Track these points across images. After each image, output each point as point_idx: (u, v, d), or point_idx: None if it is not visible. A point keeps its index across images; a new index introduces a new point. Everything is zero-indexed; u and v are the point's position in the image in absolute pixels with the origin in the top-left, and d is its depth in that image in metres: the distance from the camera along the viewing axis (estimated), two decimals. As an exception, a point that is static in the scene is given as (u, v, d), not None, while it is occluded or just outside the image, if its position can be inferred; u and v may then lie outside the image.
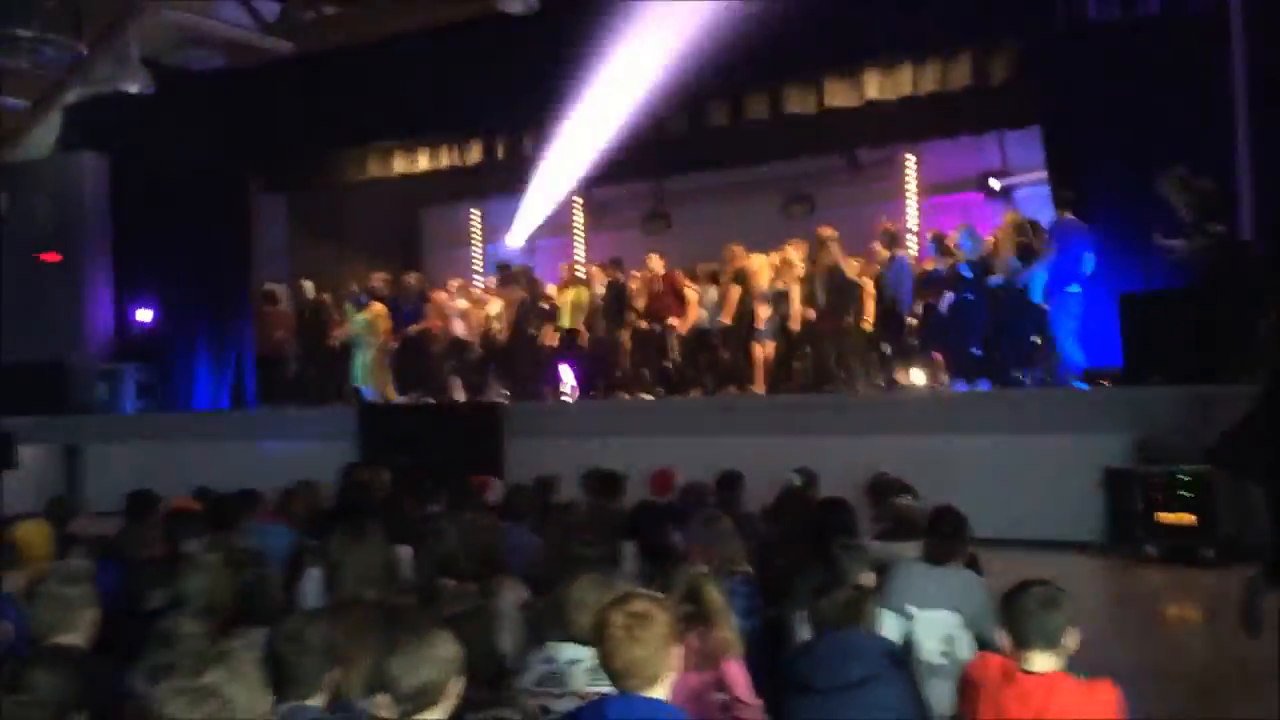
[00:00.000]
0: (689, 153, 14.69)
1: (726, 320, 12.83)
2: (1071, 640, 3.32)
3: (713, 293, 13.18)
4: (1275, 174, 9.66)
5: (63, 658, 3.53)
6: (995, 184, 13.95)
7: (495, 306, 14.90)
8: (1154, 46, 10.19)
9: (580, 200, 17.24)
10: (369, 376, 15.00)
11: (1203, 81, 10.05)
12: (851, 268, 12.36)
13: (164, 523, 6.41)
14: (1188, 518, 8.59)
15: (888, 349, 12.33)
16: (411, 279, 15.67)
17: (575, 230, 17.38)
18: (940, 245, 12.06)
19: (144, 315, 16.83)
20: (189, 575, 4.32)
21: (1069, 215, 10.83)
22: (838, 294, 12.11)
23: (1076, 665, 3.42)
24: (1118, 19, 10.37)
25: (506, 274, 15.39)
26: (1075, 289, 10.60)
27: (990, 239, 11.90)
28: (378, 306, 15.05)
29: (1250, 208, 9.95)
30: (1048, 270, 10.79)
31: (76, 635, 3.86)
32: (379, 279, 15.59)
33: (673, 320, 13.40)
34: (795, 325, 12.32)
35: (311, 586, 4.99)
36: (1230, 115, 10.00)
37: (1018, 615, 3.32)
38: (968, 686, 3.46)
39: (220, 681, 2.61)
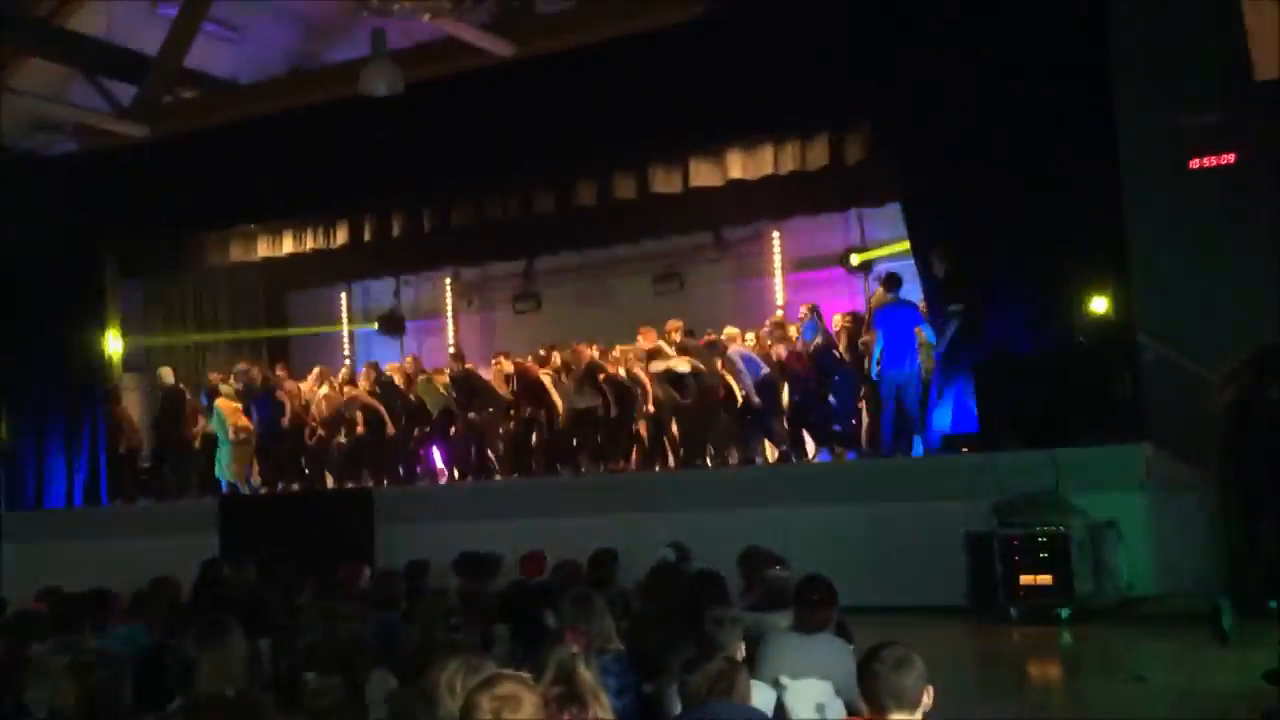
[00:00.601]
0: (557, 232, 14.82)
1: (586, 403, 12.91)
2: (927, 698, 3.40)
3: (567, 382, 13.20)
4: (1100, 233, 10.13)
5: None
6: (855, 259, 14.38)
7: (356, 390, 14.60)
8: (1005, 123, 10.66)
9: (449, 281, 17.22)
10: (230, 469, 14.54)
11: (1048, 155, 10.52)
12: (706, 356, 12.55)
13: (8, 626, 6.08)
14: (1045, 578, 8.84)
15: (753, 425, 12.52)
16: (254, 371, 15.20)
17: (445, 311, 17.31)
18: (781, 332, 12.41)
19: None
20: (33, 680, 4.11)
21: (891, 298, 11.40)
22: (703, 377, 12.30)
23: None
24: (966, 98, 10.84)
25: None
26: (907, 366, 11.10)
27: (835, 325, 12.37)
28: (221, 402, 14.59)
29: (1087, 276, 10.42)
30: (881, 349, 11.22)
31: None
32: (218, 376, 15.24)
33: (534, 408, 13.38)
34: (652, 407, 12.44)
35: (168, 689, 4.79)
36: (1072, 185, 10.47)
37: (872, 678, 3.38)
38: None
39: None
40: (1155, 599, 9.14)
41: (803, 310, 12.79)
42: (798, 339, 12.40)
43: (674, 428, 12.65)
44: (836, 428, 12.04)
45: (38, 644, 5.41)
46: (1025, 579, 8.96)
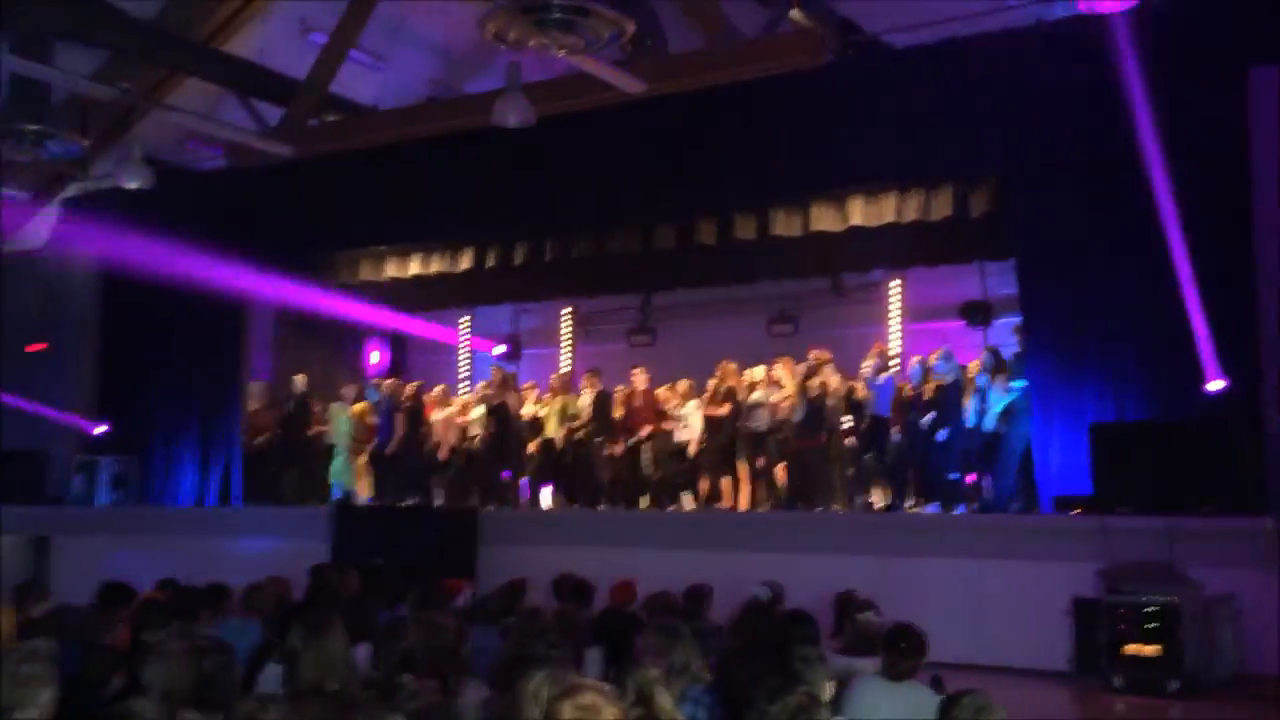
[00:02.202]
0: (676, 269, 14.97)
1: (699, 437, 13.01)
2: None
3: (692, 408, 13.29)
4: (1230, 310, 9.88)
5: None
6: (975, 314, 14.19)
7: (476, 412, 14.93)
8: (1135, 190, 10.52)
9: (569, 311, 17.52)
10: (347, 478, 15.00)
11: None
12: (838, 389, 12.53)
13: (130, 612, 6.40)
14: (1153, 649, 8.59)
15: (866, 467, 12.43)
16: (388, 385, 15.65)
17: (563, 340, 17.61)
18: (925, 369, 12.30)
19: (99, 429, 16.82)
20: (149, 661, 4.33)
21: None
22: (818, 414, 12.25)
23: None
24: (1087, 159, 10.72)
25: (494, 380, 15.35)
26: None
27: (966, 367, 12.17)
28: (363, 406, 15.12)
29: (1211, 349, 10.15)
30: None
31: (34, 713, 3.86)
32: (360, 385, 15.71)
33: (647, 430, 13.51)
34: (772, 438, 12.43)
35: (271, 681, 4.99)
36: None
37: (953, 724, 3.38)
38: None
39: None
40: (1270, 679, 8.79)
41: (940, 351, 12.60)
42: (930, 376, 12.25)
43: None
44: (954, 476, 11.89)
45: (157, 630, 5.68)
46: (1131, 649, 8.73)
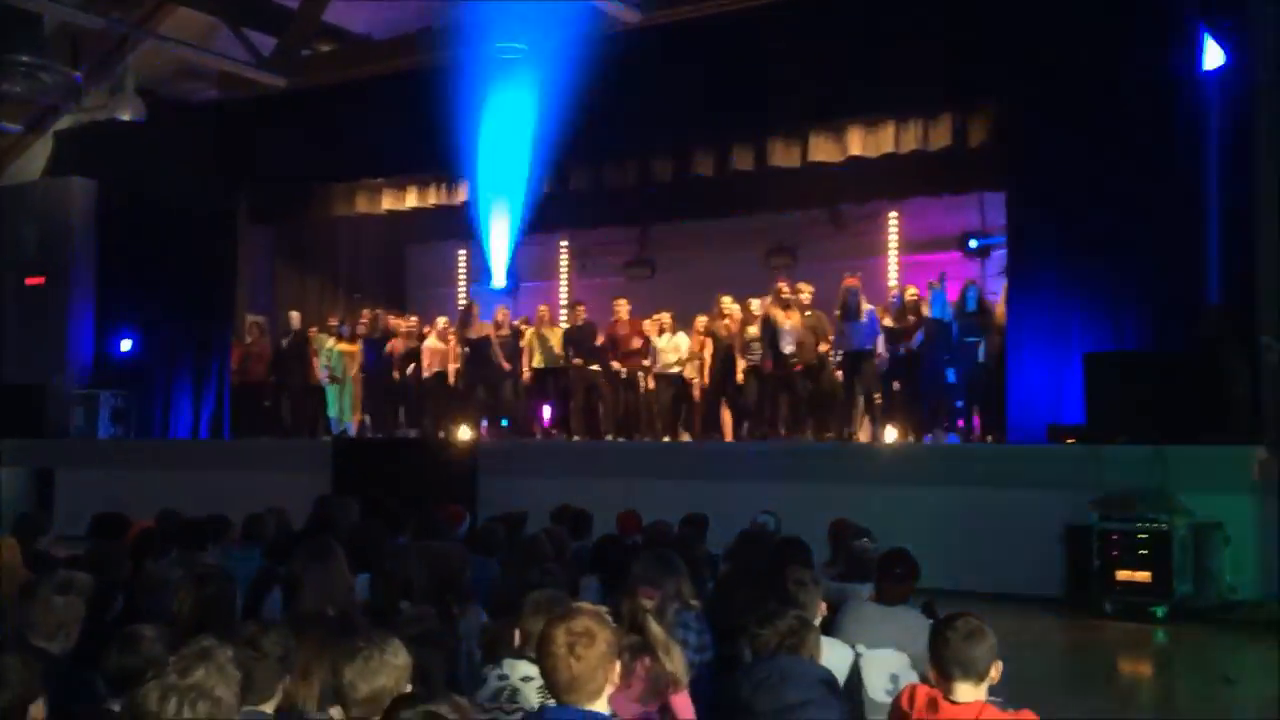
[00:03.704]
0: (674, 201, 14.94)
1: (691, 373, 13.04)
2: (995, 672, 3.44)
3: (681, 339, 13.27)
4: (1239, 237, 9.88)
5: (38, 654, 3.62)
6: (973, 243, 14.18)
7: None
8: (1123, 112, 10.48)
9: (565, 244, 17.48)
10: (344, 410, 15.07)
11: (1171, 147, 10.33)
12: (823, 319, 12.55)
13: (130, 541, 6.48)
14: (1144, 575, 8.71)
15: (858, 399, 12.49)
16: (380, 316, 15.60)
17: (560, 273, 17.58)
18: (906, 305, 12.27)
19: (125, 345, 16.90)
20: (152, 588, 4.41)
21: None
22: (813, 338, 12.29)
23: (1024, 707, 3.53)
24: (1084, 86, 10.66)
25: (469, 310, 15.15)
26: None
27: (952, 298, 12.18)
28: (342, 345, 15.12)
29: (1218, 270, 10.18)
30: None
31: (55, 644, 3.96)
32: (363, 317, 15.72)
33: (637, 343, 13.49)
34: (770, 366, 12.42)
35: (274, 609, 5.08)
36: (1199, 179, 10.24)
37: (942, 644, 3.44)
38: (897, 715, 3.58)
39: (209, 681, 2.67)
40: (1258, 604, 8.92)
41: (932, 282, 12.56)
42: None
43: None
44: (960, 404, 11.93)
45: (156, 558, 5.77)
46: (1122, 575, 8.85)
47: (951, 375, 11.82)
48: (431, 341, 14.69)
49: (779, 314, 12.24)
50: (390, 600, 4.91)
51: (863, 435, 12.41)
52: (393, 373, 14.79)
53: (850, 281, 12.25)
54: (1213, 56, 10.33)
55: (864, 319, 12.05)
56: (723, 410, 13.16)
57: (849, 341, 12.13)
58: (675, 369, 13.22)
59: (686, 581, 4.84)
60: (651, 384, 13.44)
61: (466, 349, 14.27)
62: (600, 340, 13.77)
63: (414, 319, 15.36)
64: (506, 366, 14.07)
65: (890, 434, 12.04)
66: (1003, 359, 11.24)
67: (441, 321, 14.96)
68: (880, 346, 12.18)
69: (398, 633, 3.50)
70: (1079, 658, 8.41)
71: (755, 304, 13.01)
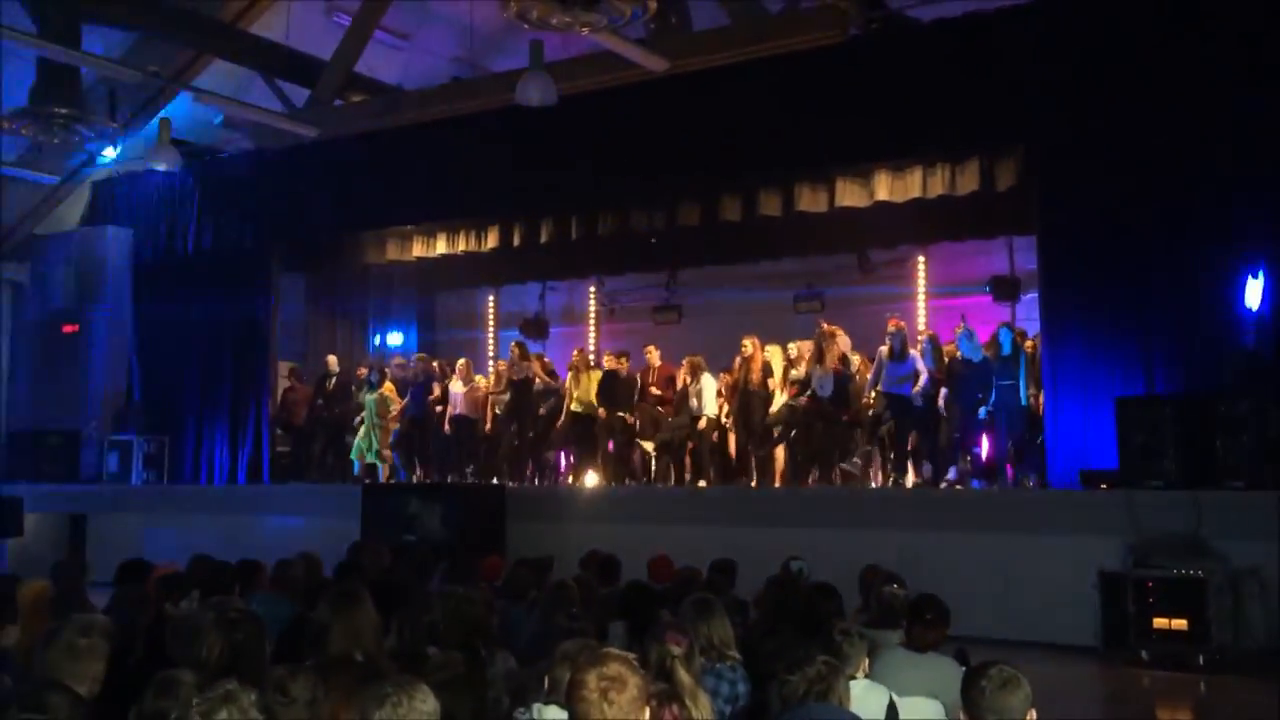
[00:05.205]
0: (702, 245, 14.97)
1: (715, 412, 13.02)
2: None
3: (709, 382, 13.25)
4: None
5: (70, 692, 3.63)
6: (1003, 289, 14.13)
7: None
8: (1139, 155, 10.47)
9: (594, 289, 17.56)
10: (374, 455, 15.12)
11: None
12: (855, 364, 12.53)
13: (155, 586, 6.50)
14: (1180, 623, 8.57)
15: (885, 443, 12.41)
16: (416, 361, 15.72)
17: (589, 319, 17.66)
18: (936, 349, 12.21)
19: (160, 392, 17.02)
20: (181, 632, 4.41)
21: None
22: (841, 387, 12.25)
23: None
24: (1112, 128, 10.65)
25: (514, 356, 15.26)
26: None
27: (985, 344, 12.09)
28: (388, 386, 15.24)
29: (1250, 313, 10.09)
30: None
31: (82, 687, 3.96)
32: (394, 361, 15.83)
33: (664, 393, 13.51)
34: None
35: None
36: (1228, 227, 10.19)
37: (977, 694, 3.38)
38: (931, 763, 3.53)
39: None
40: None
41: (956, 327, 12.47)
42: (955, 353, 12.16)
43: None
44: (976, 450, 11.84)
45: (184, 601, 5.77)
46: (1159, 622, 8.71)
47: (982, 413, 11.71)
48: (455, 385, 14.77)
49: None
50: (418, 645, 4.90)
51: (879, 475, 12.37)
52: (434, 418, 14.84)
53: (896, 324, 12.24)
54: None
55: (911, 361, 12.00)
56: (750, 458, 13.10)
57: (892, 382, 12.06)
58: (710, 412, 13.18)
59: (723, 629, 4.76)
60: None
61: (508, 391, 14.33)
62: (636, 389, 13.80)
63: (461, 362, 15.42)
64: (543, 411, 14.13)
65: (916, 475, 11.99)
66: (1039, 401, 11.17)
67: (461, 364, 15.05)
68: (919, 386, 12.09)
69: (425, 678, 3.48)
70: (1117, 707, 8.27)
71: (793, 348, 13.01)
